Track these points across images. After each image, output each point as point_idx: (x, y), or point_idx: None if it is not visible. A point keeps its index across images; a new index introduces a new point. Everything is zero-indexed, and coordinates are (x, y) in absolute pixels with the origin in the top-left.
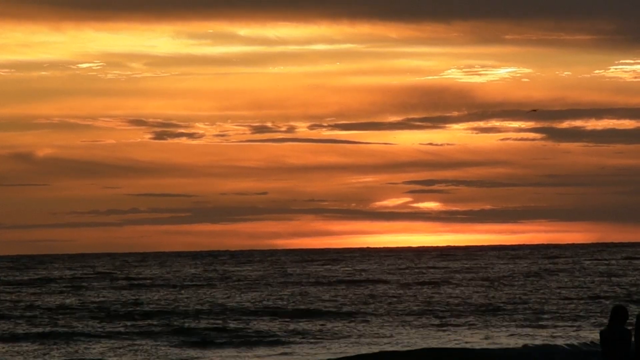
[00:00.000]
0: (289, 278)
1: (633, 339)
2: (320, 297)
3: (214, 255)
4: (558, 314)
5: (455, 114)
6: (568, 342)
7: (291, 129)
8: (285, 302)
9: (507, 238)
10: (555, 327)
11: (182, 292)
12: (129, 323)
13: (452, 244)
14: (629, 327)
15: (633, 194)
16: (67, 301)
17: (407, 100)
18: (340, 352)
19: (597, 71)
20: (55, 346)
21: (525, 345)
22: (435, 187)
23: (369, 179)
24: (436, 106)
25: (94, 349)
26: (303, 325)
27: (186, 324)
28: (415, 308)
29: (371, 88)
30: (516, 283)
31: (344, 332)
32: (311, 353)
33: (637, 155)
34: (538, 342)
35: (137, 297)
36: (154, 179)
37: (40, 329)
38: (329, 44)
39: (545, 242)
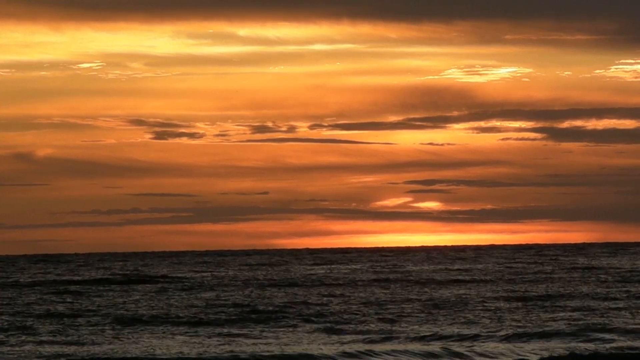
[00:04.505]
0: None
1: None
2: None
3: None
4: None
5: (455, 113)
6: None
7: (291, 129)
8: None
9: (508, 238)
10: None
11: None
12: None
13: (452, 244)
14: None
15: (634, 194)
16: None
17: (407, 100)
18: None
19: (597, 71)
20: None
21: None
22: (436, 187)
23: (369, 178)
24: (436, 106)
25: None
26: None
27: None
28: None
29: (372, 88)
30: None
31: None
32: None
33: (637, 155)
34: None
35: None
36: (155, 179)
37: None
38: (329, 44)
39: (546, 242)
